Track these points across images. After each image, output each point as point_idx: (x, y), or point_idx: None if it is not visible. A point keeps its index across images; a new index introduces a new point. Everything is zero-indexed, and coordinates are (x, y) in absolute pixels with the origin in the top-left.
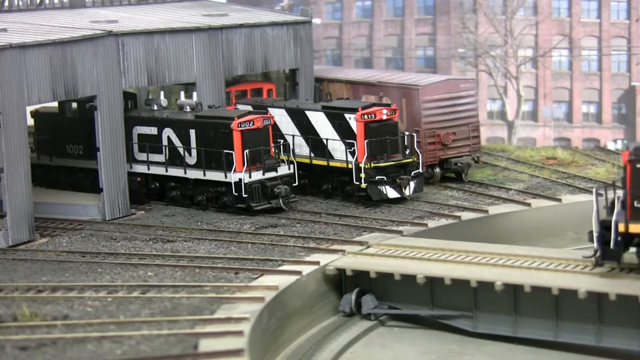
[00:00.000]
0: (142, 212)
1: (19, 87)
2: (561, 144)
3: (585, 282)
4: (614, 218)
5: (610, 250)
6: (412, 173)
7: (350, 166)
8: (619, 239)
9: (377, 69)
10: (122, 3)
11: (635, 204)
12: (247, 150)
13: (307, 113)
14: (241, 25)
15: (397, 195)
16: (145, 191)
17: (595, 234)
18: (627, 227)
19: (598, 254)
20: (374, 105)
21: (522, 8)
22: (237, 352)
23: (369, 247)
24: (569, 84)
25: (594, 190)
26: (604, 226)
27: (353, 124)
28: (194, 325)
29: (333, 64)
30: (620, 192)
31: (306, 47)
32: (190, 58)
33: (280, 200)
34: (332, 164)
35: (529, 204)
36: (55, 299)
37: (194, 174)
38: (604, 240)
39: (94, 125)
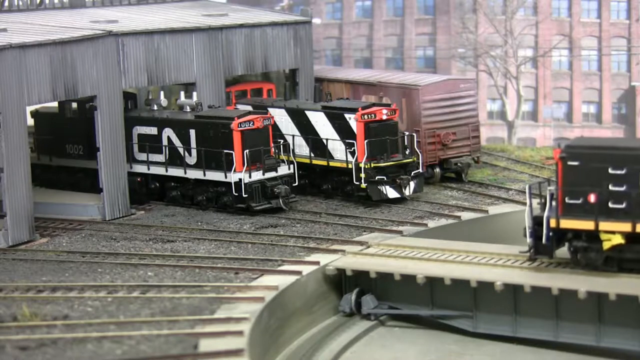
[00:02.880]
0: (142, 212)
1: (19, 87)
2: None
3: (585, 282)
4: (545, 214)
5: (542, 245)
6: (412, 173)
7: (350, 166)
8: (550, 234)
9: (377, 69)
10: (122, 3)
11: (567, 200)
12: (247, 150)
13: (307, 113)
14: (241, 25)
15: (397, 195)
16: (145, 191)
17: (528, 230)
18: (558, 223)
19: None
20: (374, 105)
21: (522, 8)
22: (237, 352)
23: (369, 247)
24: (569, 84)
25: (527, 187)
26: (537, 222)
27: (353, 124)
28: (194, 325)
29: (333, 64)
30: (552, 188)
31: (306, 47)
32: (190, 58)
33: (280, 200)
34: (332, 164)
35: None
36: (55, 299)
37: (194, 174)
38: (536, 235)
39: (94, 125)
